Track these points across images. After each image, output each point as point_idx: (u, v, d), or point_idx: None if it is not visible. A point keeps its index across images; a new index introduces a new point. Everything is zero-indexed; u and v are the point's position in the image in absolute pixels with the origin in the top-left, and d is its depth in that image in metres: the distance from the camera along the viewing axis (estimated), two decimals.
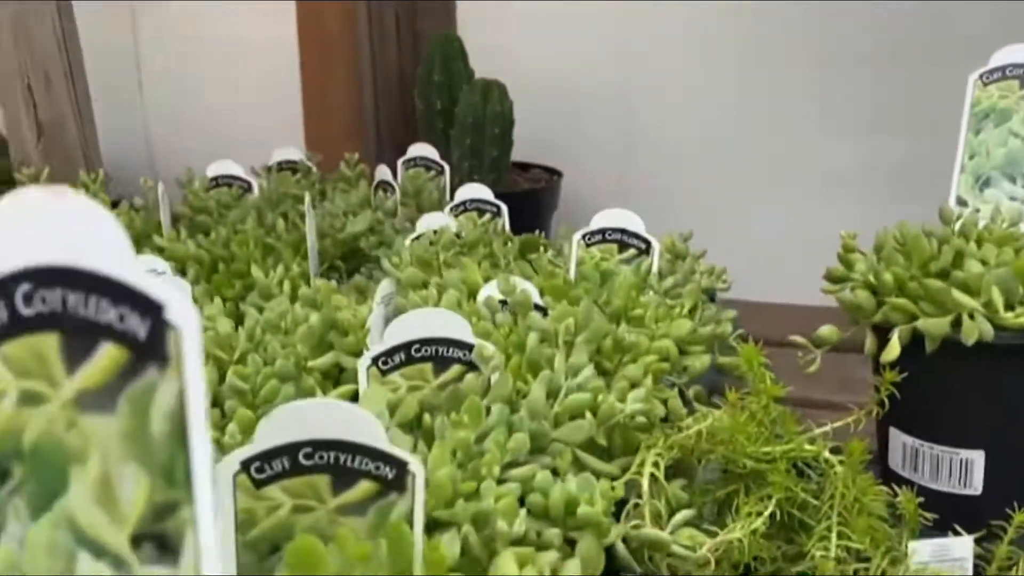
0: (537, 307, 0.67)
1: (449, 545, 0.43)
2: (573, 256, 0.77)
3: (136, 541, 0.25)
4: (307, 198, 0.83)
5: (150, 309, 0.24)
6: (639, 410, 0.57)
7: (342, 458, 0.40)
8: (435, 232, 0.78)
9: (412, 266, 0.71)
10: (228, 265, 0.81)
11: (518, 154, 1.27)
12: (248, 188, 1.00)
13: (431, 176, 1.07)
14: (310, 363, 0.64)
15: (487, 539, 0.47)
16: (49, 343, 0.25)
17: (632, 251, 0.79)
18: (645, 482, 0.57)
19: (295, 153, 1.11)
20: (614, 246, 0.79)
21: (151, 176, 0.96)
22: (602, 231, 0.78)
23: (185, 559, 0.24)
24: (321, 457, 0.40)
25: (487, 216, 0.93)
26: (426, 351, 0.55)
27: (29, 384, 0.26)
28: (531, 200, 1.20)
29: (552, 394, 0.57)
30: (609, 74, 1.34)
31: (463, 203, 0.95)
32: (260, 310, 0.70)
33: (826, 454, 0.62)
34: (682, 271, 0.82)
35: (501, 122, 1.20)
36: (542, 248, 0.84)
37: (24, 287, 0.25)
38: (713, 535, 0.57)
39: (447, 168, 1.07)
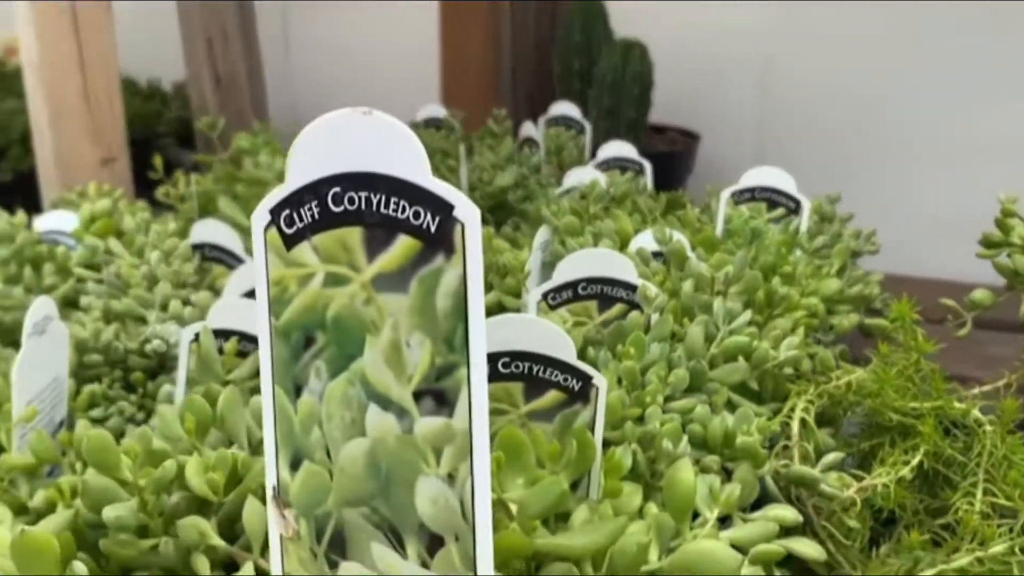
0: None
1: (623, 455, 0.49)
2: (721, 212, 0.82)
3: (417, 396, 0.32)
4: (461, 150, 0.90)
5: (441, 208, 0.31)
6: (793, 357, 0.62)
7: (535, 369, 0.47)
8: (586, 185, 0.84)
9: (568, 215, 0.77)
10: None
11: (653, 115, 1.31)
12: None
13: (572, 135, 1.13)
14: None
15: (651, 459, 0.53)
16: (353, 235, 0.33)
17: (781, 210, 0.83)
18: (795, 425, 0.62)
19: (439, 110, 1.19)
20: (763, 205, 0.83)
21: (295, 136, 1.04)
22: (751, 189, 0.82)
23: (459, 411, 0.31)
24: (517, 367, 0.47)
25: (629, 174, 0.99)
26: (592, 289, 0.61)
27: (334, 268, 0.33)
28: (667, 162, 1.24)
29: (709, 337, 0.62)
30: (751, 36, 1.36)
31: (606, 160, 1.00)
32: None
33: (976, 413, 0.65)
34: (830, 233, 0.85)
35: (640, 83, 1.24)
36: (688, 205, 0.89)
37: (334, 189, 0.33)
38: (859, 481, 0.61)
39: (588, 126, 1.12)
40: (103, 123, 0.91)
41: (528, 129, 1.08)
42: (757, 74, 1.37)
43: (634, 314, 0.60)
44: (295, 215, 0.33)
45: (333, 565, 0.34)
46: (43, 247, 0.77)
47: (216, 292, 0.68)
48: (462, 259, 0.31)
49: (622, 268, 0.61)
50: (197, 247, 0.75)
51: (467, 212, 0.30)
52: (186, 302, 0.66)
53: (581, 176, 0.90)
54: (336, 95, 1.54)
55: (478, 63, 1.40)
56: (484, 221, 0.96)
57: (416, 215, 0.31)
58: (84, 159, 0.91)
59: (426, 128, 1.17)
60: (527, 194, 0.97)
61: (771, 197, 0.82)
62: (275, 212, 0.34)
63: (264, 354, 0.35)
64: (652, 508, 0.48)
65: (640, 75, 1.24)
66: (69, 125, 0.90)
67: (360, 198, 0.32)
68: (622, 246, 0.77)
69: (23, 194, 1.18)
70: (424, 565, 0.32)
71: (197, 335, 0.54)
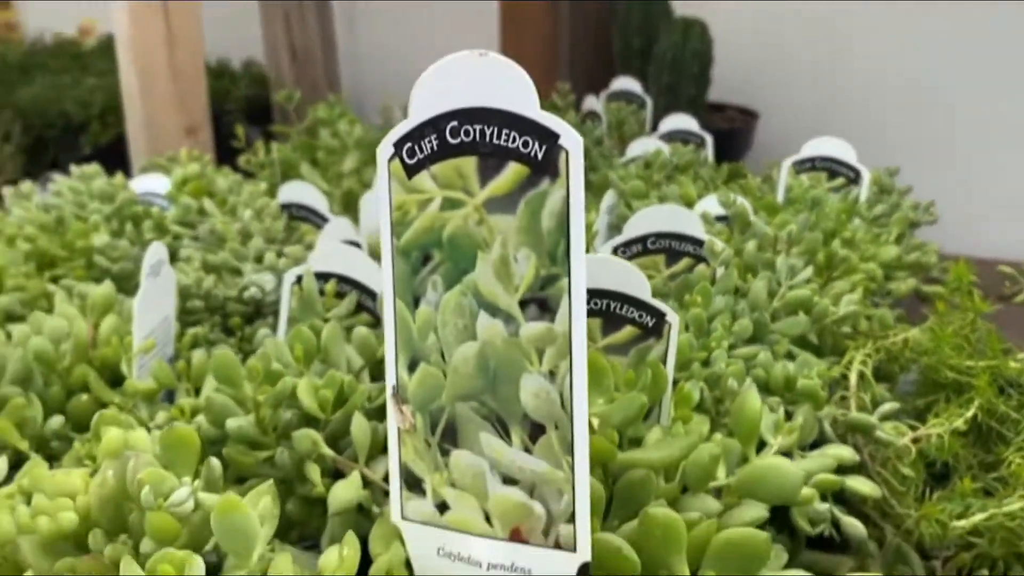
0: None
1: (692, 389, 0.54)
2: (782, 181, 0.86)
3: (523, 304, 0.38)
4: None
5: (548, 137, 0.36)
6: (852, 312, 0.66)
7: (612, 305, 0.52)
8: (651, 154, 0.89)
9: (635, 180, 0.82)
10: None
11: (713, 93, 1.35)
12: None
13: (633, 109, 1.18)
14: None
15: (717, 399, 0.58)
16: (468, 164, 0.38)
17: (841, 180, 0.87)
18: (853, 376, 0.66)
19: None
20: (823, 174, 0.87)
21: (359, 108, 1.10)
22: (812, 159, 0.87)
23: (560, 316, 0.37)
24: (596, 303, 0.52)
25: (691, 146, 1.03)
26: (660, 244, 0.66)
27: (451, 193, 0.39)
28: (726, 139, 1.28)
29: (771, 292, 0.67)
30: (812, 15, 1.39)
31: (668, 133, 1.05)
32: None
33: None
34: (889, 203, 0.89)
35: (700, 60, 1.28)
36: (748, 175, 0.93)
37: (452, 123, 0.38)
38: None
39: (649, 100, 1.17)
40: (188, 94, 0.98)
41: (590, 103, 1.13)
42: (817, 53, 1.41)
43: (700, 267, 0.65)
44: (416, 147, 0.39)
45: (445, 453, 0.40)
46: (139, 207, 0.84)
47: (306, 247, 0.75)
48: (566, 182, 0.36)
49: (690, 224, 0.66)
50: (284, 207, 0.81)
51: (571, 140, 0.36)
52: (279, 254, 0.73)
53: (645, 145, 0.95)
54: (397, 69, 1.60)
55: (537, 40, 1.45)
56: None
57: (525, 144, 0.37)
58: (170, 127, 0.99)
59: None
60: (590, 165, 1.02)
61: (831, 167, 0.86)
62: (398, 145, 0.40)
63: (386, 270, 0.40)
64: (718, 436, 0.53)
65: (700, 53, 1.28)
66: (157, 95, 0.97)
67: (475, 130, 0.38)
68: None
69: (104, 166, 1.26)
70: (527, 450, 0.38)
71: (299, 277, 0.60)
